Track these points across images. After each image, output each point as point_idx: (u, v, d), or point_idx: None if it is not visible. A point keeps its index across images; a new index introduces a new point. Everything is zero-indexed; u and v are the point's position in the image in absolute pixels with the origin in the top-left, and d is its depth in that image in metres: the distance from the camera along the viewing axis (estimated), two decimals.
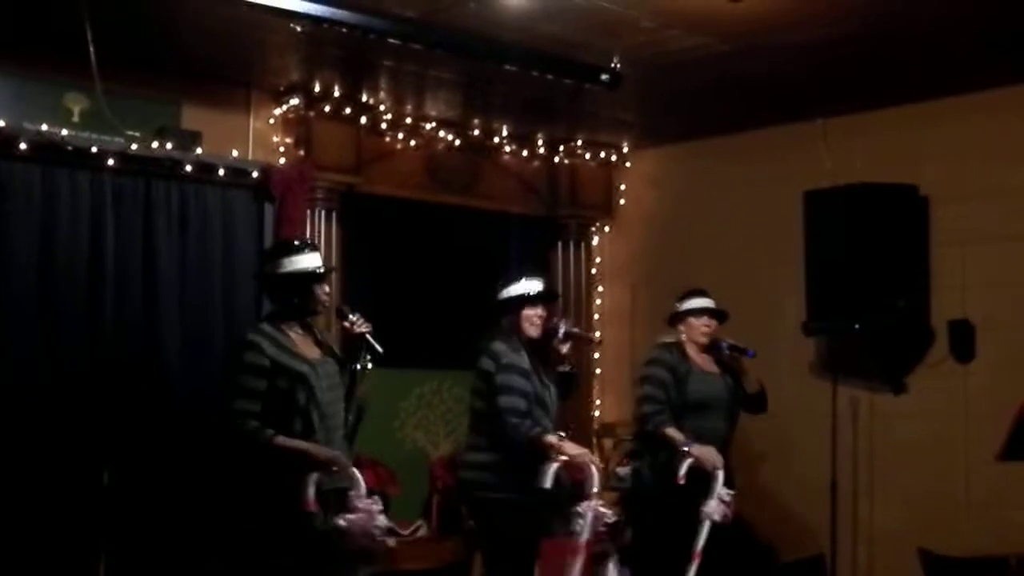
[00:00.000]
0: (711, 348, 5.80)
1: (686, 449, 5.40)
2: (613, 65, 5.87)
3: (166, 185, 6.01)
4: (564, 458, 5.08)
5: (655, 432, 5.54)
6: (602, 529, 5.11)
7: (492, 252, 7.67)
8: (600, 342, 7.31)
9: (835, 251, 6.66)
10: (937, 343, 6.67)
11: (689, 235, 7.78)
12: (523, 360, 5.20)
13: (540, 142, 7.83)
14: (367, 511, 4.41)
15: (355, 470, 4.49)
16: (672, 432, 5.50)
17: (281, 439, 4.34)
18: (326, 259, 4.74)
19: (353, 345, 4.65)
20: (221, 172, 6.16)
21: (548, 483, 4.99)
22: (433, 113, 7.23)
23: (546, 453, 5.05)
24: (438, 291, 7.40)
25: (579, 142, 7.93)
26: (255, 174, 6.27)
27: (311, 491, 4.29)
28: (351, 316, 4.67)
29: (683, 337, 5.78)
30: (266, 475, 4.36)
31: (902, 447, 6.78)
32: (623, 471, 5.73)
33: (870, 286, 6.55)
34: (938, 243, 6.67)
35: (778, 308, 7.05)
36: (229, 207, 6.22)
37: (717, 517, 5.37)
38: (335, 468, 4.38)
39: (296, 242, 4.78)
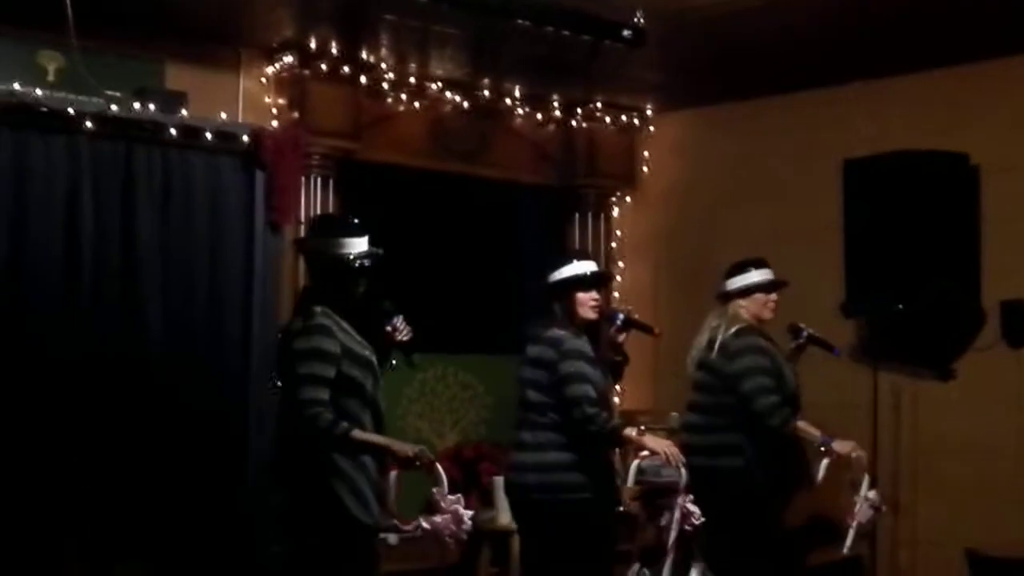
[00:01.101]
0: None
1: (824, 447, 5.29)
2: (636, 20, 5.89)
3: (148, 150, 6.00)
4: (645, 453, 5.03)
5: (783, 429, 5.34)
6: (688, 528, 5.08)
7: (502, 225, 7.67)
8: (660, 333, 7.20)
9: (877, 225, 6.65)
10: (988, 326, 6.68)
11: (718, 207, 7.76)
12: (586, 346, 5.09)
13: (555, 105, 7.82)
14: (453, 512, 4.32)
15: (439, 467, 4.39)
16: (806, 427, 5.37)
17: (359, 433, 4.29)
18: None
19: (388, 350, 4.62)
20: (208, 136, 6.15)
21: (632, 481, 5.00)
22: (438, 73, 7.22)
23: (625, 447, 5.06)
24: (443, 267, 7.40)
25: (598, 105, 7.92)
26: (245, 138, 6.25)
27: (392, 492, 4.24)
28: (395, 321, 4.63)
29: (744, 315, 5.54)
30: (341, 473, 4.30)
31: (949, 439, 6.80)
32: (647, 465, 5.53)
33: (915, 263, 6.55)
34: (990, 217, 6.66)
35: (814, 287, 6.84)
36: (216, 174, 6.20)
37: (870, 526, 5.35)
38: (418, 464, 4.28)
39: (354, 220, 4.65)
